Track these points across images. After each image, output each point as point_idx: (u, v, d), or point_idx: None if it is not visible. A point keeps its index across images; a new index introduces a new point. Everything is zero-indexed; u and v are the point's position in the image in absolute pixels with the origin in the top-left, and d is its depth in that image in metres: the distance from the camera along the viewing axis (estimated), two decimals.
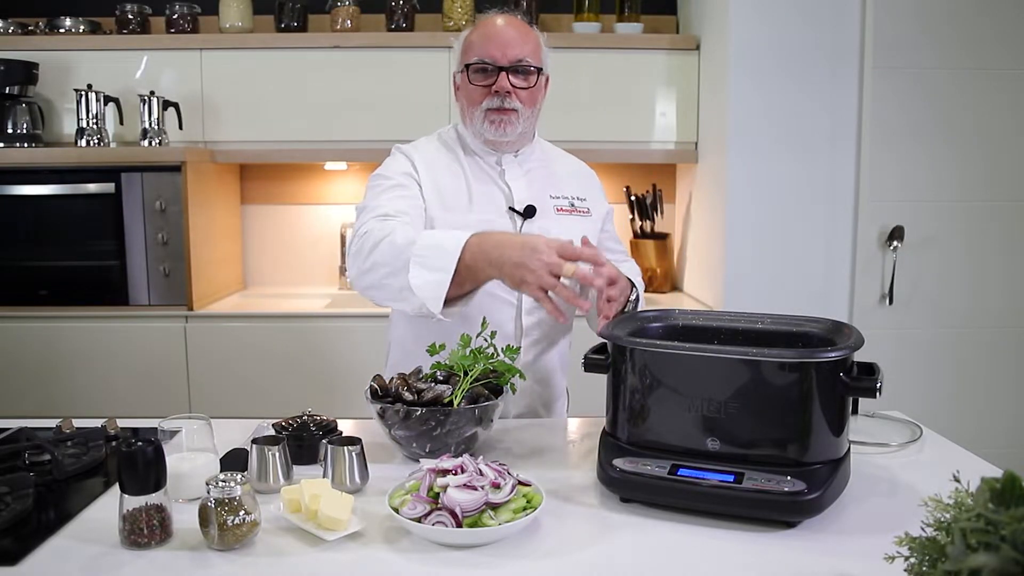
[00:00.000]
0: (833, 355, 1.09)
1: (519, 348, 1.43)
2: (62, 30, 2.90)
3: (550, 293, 1.24)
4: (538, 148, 1.67)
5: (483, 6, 2.96)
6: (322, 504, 1.03)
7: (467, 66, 1.53)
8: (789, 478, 1.07)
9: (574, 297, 1.25)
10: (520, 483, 1.09)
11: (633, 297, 1.54)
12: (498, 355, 1.38)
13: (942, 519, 0.75)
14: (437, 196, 1.55)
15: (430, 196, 1.55)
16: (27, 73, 2.73)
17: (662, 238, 3.08)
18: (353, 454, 1.19)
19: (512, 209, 1.57)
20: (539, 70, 1.54)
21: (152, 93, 2.73)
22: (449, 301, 1.31)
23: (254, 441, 1.20)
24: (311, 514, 1.04)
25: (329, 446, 1.19)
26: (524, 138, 1.61)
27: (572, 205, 1.63)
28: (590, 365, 1.23)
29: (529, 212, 1.56)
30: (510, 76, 1.51)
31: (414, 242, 1.31)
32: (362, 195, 1.58)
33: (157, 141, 2.74)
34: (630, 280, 1.53)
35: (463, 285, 1.32)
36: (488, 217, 1.55)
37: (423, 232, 1.36)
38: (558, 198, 1.62)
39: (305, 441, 1.29)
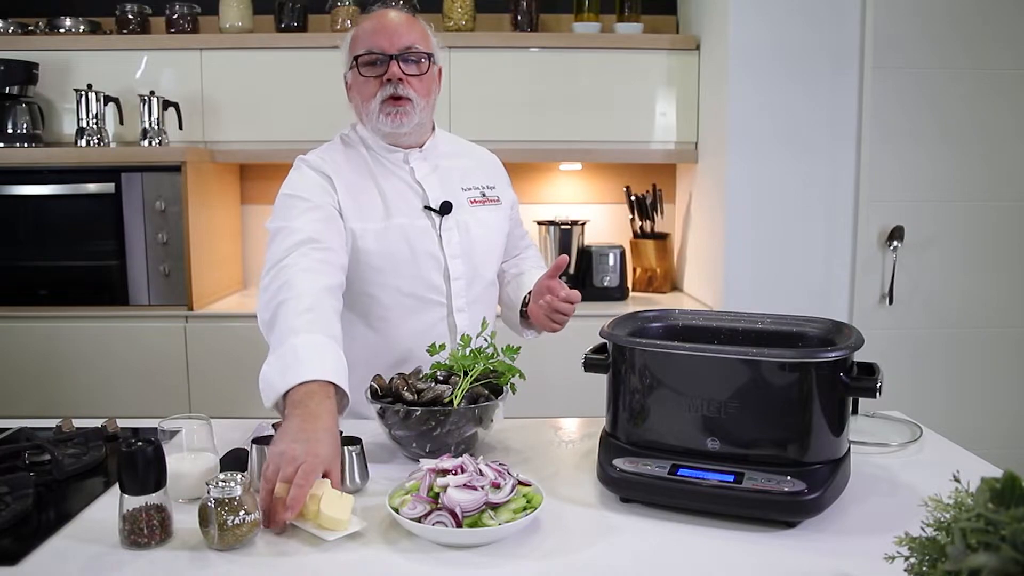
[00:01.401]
0: (833, 355, 1.09)
1: (519, 348, 1.43)
2: (62, 30, 2.90)
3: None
4: (441, 140, 1.66)
5: (483, 6, 2.97)
6: (322, 504, 1.03)
7: (356, 58, 1.53)
8: (789, 478, 1.07)
9: (281, 498, 1.04)
10: (520, 483, 1.09)
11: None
12: (498, 355, 1.38)
13: (942, 519, 0.75)
14: (354, 207, 1.52)
15: (347, 209, 1.51)
16: (27, 73, 2.73)
17: (662, 238, 3.08)
18: (353, 454, 1.19)
19: (428, 207, 1.56)
20: (430, 56, 1.54)
21: (152, 93, 2.73)
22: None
23: (254, 441, 1.20)
24: (312, 514, 1.04)
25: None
26: (422, 130, 1.59)
27: (483, 195, 1.65)
28: (590, 365, 1.23)
29: (445, 208, 1.57)
30: (400, 64, 1.50)
31: (297, 332, 1.23)
32: None
33: (157, 141, 2.74)
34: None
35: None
36: (405, 221, 1.55)
37: (305, 337, 1.23)
38: (470, 189, 1.63)
39: None
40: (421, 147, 1.61)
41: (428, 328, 1.55)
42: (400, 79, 1.50)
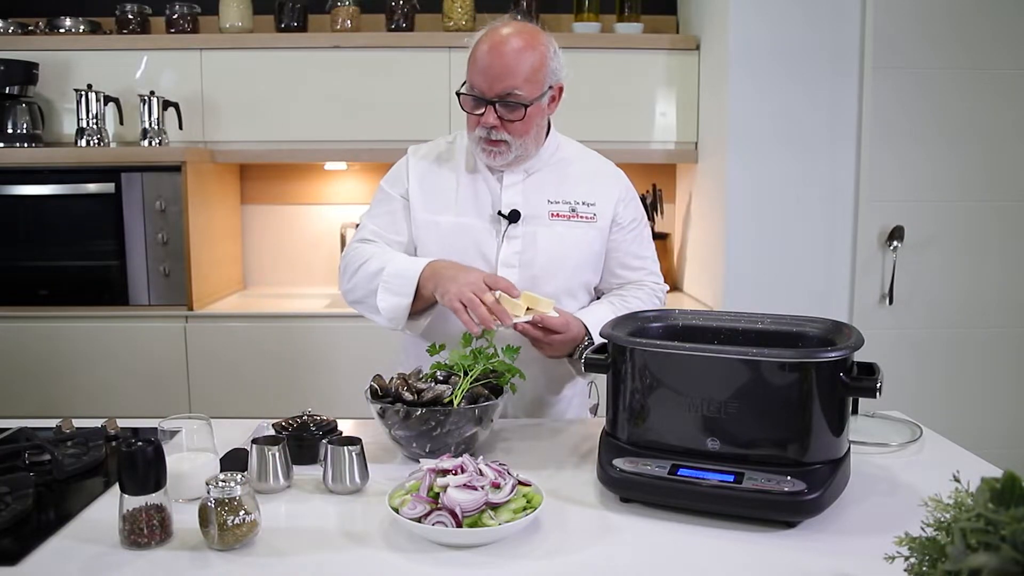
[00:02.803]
0: (833, 355, 1.09)
1: (519, 348, 1.43)
2: (62, 30, 2.90)
3: (470, 311, 1.35)
4: (551, 150, 1.62)
5: (483, 6, 2.97)
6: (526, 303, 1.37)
7: (459, 94, 1.51)
8: (789, 478, 1.07)
9: (487, 317, 1.34)
10: (520, 483, 1.09)
11: (583, 345, 1.50)
12: (498, 355, 1.38)
13: (942, 519, 0.75)
14: (422, 199, 1.60)
15: (415, 199, 1.60)
16: (27, 73, 2.73)
17: (662, 238, 3.08)
18: (353, 454, 1.19)
19: (499, 213, 1.56)
20: (528, 104, 1.47)
21: (152, 93, 2.73)
22: (414, 315, 1.51)
23: (254, 441, 1.20)
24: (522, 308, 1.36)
25: (329, 446, 1.19)
26: (520, 161, 1.56)
27: (573, 210, 1.59)
28: (590, 365, 1.23)
29: (513, 216, 1.55)
30: (498, 107, 1.47)
31: (383, 270, 1.49)
32: (360, 195, 1.61)
33: (157, 141, 2.74)
34: (586, 328, 1.51)
35: (419, 304, 1.48)
36: (466, 220, 1.56)
37: (392, 260, 1.50)
38: (557, 203, 1.59)
39: (305, 441, 1.29)
40: None
41: (456, 332, 1.48)
42: (494, 127, 1.48)
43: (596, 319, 1.48)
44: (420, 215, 1.59)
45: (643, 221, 1.69)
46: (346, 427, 1.42)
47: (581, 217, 1.60)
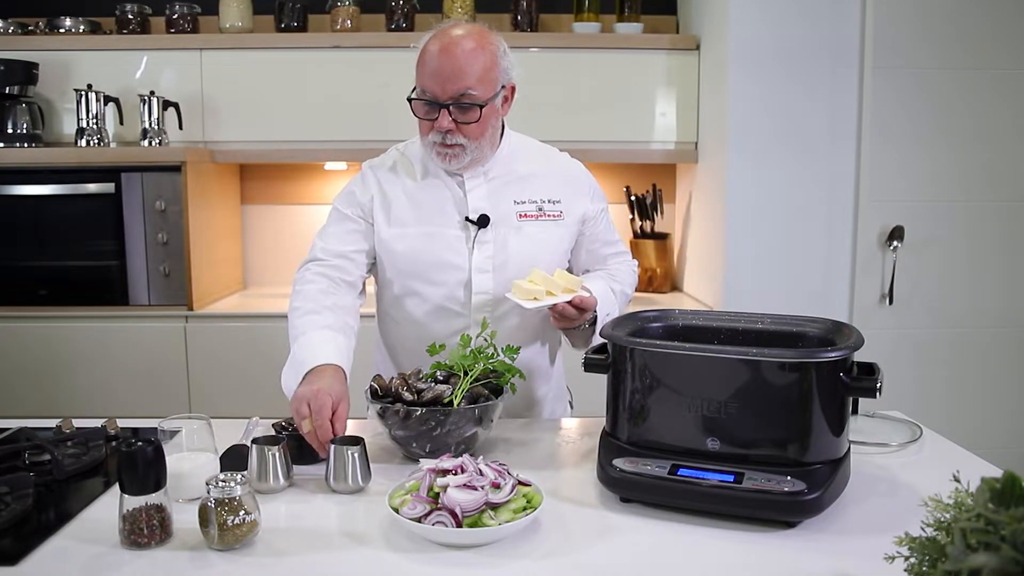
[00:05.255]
0: (833, 355, 1.09)
1: (519, 348, 1.43)
2: (62, 30, 2.90)
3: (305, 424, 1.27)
4: (507, 151, 1.61)
5: (483, 6, 2.97)
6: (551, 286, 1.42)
7: (410, 99, 1.49)
8: (789, 478, 1.07)
9: (325, 427, 1.26)
10: (520, 483, 1.09)
11: (589, 318, 1.53)
12: (498, 355, 1.38)
13: (942, 519, 0.75)
14: (385, 215, 1.57)
15: (379, 216, 1.58)
16: (27, 73, 2.73)
17: (662, 238, 3.08)
18: (354, 454, 1.19)
19: (467, 219, 1.55)
20: (482, 105, 1.45)
21: (152, 93, 2.73)
22: None
23: (254, 441, 1.20)
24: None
25: (332, 446, 1.19)
26: (476, 163, 1.55)
27: (540, 209, 1.59)
28: (590, 365, 1.23)
29: (482, 221, 1.54)
30: (452, 110, 1.45)
31: (296, 339, 1.48)
32: None
33: (157, 141, 2.74)
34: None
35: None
36: (433, 230, 1.55)
37: (301, 337, 1.47)
38: (523, 203, 1.58)
39: (305, 441, 1.29)
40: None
41: (448, 338, 1.51)
42: (449, 130, 1.46)
43: (598, 292, 1.56)
44: (385, 231, 1.57)
45: (607, 204, 1.73)
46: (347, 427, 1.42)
47: (548, 216, 1.60)
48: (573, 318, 1.47)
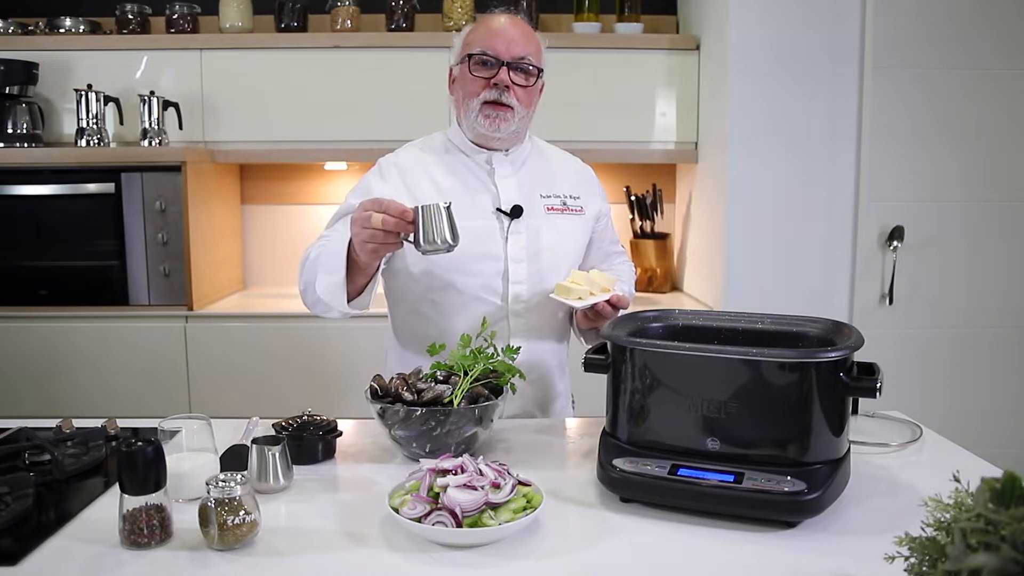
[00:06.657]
0: (833, 355, 1.09)
1: (519, 348, 1.43)
2: (62, 30, 2.90)
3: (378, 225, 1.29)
4: (530, 147, 1.68)
5: (483, 6, 2.97)
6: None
7: (469, 56, 1.54)
8: (789, 478, 1.07)
9: (383, 234, 1.30)
10: (520, 483, 1.09)
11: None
12: (498, 355, 1.38)
13: (942, 519, 0.75)
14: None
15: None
16: (27, 73, 2.73)
17: (662, 238, 3.08)
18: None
19: (499, 210, 1.57)
20: (540, 71, 1.57)
21: (152, 93, 2.73)
22: (357, 295, 1.45)
23: (254, 441, 1.20)
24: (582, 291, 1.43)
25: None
26: (515, 138, 1.61)
27: (564, 204, 1.64)
28: (590, 365, 1.23)
29: (516, 212, 1.57)
30: (511, 72, 1.53)
31: (319, 256, 1.45)
32: None
33: (157, 141, 2.74)
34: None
35: (356, 279, 1.43)
36: (468, 221, 1.52)
37: (325, 245, 1.46)
38: (549, 197, 1.63)
39: (305, 441, 1.29)
40: (507, 152, 1.62)
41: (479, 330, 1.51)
42: (507, 87, 1.52)
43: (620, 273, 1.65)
44: None
45: (610, 205, 1.79)
46: (346, 427, 1.42)
47: (572, 210, 1.65)
48: (609, 316, 1.48)
